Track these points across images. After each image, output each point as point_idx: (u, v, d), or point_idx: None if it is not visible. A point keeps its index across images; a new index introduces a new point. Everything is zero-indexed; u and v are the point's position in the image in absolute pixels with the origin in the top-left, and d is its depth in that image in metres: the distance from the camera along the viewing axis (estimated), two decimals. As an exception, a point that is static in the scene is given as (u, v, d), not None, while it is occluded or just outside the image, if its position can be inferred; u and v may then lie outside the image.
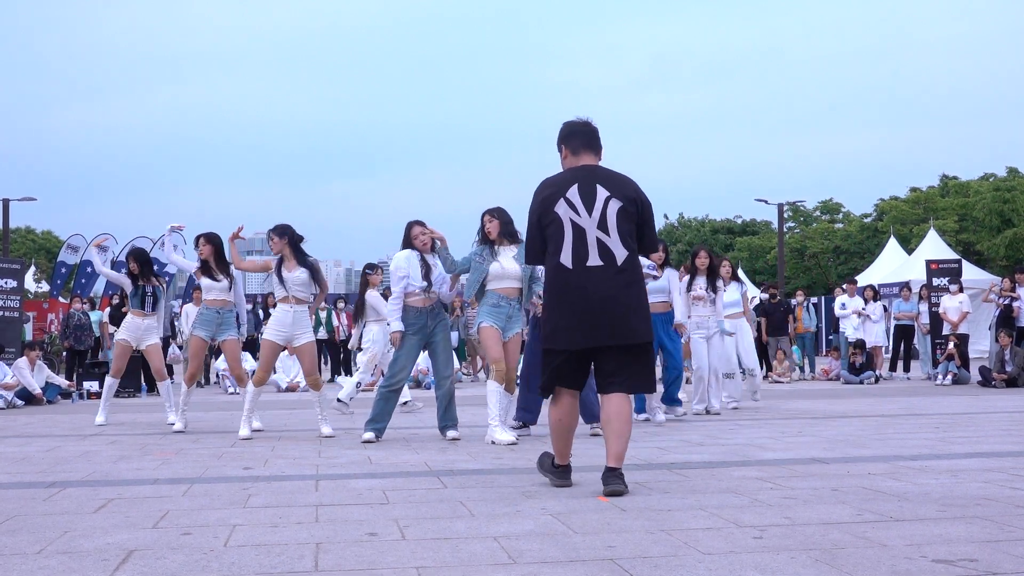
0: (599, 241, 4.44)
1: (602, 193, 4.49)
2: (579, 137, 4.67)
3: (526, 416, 7.49)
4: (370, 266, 10.74)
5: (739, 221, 57.59)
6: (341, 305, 18.92)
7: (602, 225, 4.46)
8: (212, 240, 8.32)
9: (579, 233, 4.46)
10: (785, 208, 40.37)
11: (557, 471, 4.69)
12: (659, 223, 53.33)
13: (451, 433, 7.04)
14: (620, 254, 4.45)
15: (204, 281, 8.25)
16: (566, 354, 4.48)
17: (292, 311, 7.54)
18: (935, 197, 43.72)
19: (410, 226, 7.24)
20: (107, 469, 5.68)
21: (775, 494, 4.34)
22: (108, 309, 16.91)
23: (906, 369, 16.96)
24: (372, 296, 10.23)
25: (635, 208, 4.52)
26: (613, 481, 4.36)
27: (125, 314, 15.53)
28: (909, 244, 34.46)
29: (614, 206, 4.47)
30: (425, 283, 7.07)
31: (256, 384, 7.60)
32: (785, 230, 42.83)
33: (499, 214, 6.98)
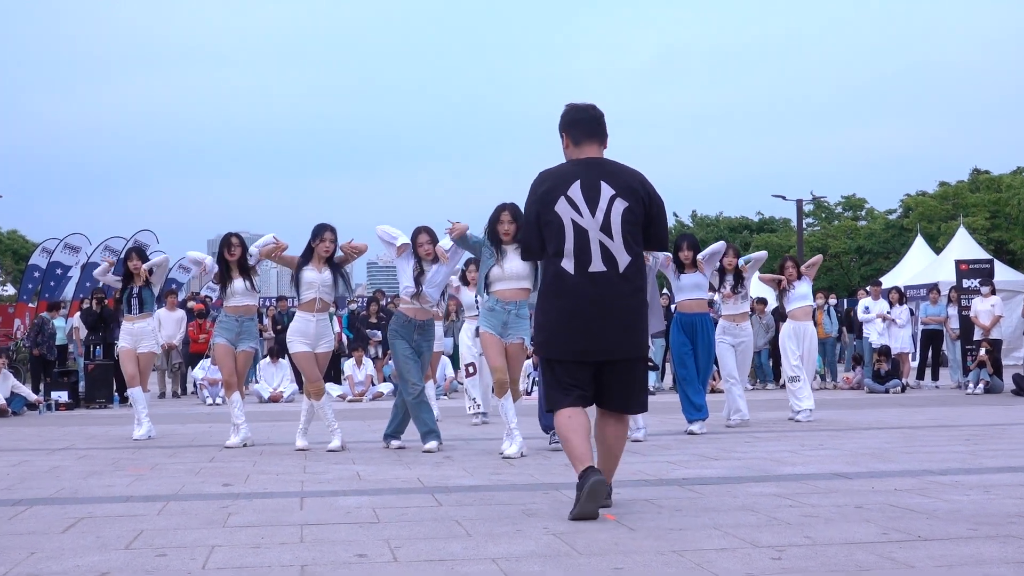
0: (602, 245, 4.37)
1: (607, 191, 4.39)
2: (582, 126, 4.54)
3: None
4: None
5: (756, 219, 57.62)
6: (332, 309, 18.90)
7: (605, 227, 4.37)
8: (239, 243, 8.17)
9: (581, 235, 4.37)
10: (806, 203, 40.44)
11: (583, 475, 4.21)
12: (669, 222, 53.37)
13: (395, 443, 7.43)
14: (623, 260, 4.38)
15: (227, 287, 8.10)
16: (565, 364, 4.42)
17: (315, 319, 7.56)
18: (965, 192, 43.71)
19: (417, 232, 7.46)
20: (77, 485, 5.67)
21: (794, 512, 4.33)
22: (78, 314, 16.92)
23: (934, 377, 16.95)
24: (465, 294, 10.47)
25: (642, 208, 4.43)
26: (599, 484, 4.27)
27: (100, 319, 15.44)
28: (937, 243, 34.46)
29: (619, 206, 4.38)
30: (414, 288, 7.26)
31: (316, 397, 7.56)
32: (805, 227, 42.86)
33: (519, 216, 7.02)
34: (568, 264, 4.39)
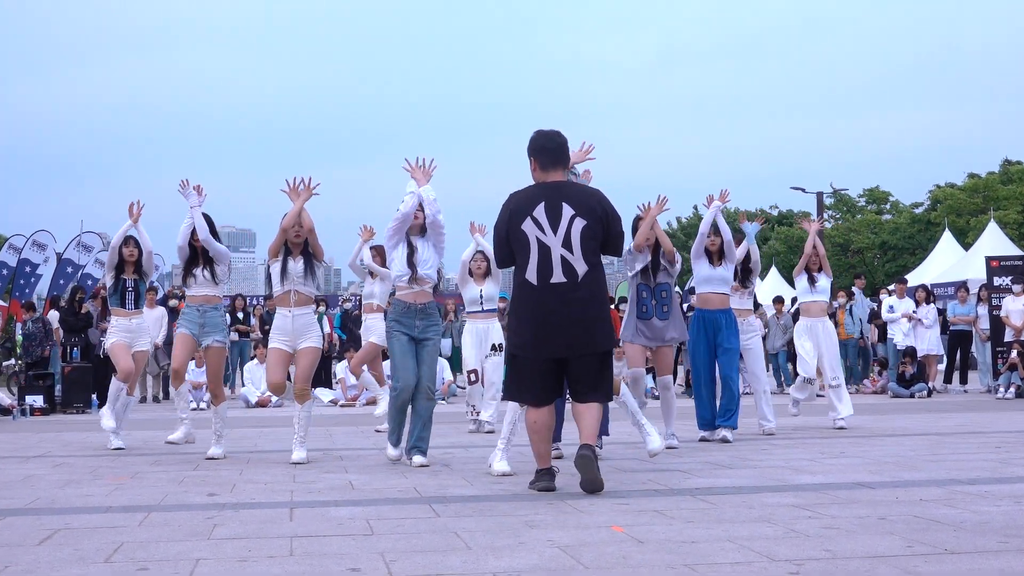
0: (563, 259, 5.33)
1: (567, 211, 5.37)
2: (548, 154, 5.54)
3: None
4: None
5: (775, 213, 57.57)
6: (322, 309, 18.92)
7: (566, 243, 5.34)
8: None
9: (544, 251, 5.35)
10: (826, 196, 40.37)
11: (538, 474, 5.46)
12: (672, 222, 54.01)
13: (418, 459, 6.83)
14: (581, 269, 5.34)
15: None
16: (530, 361, 5.42)
17: (291, 315, 7.27)
18: (995, 184, 43.65)
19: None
20: (53, 495, 5.69)
21: (814, 524, 4.34)
22: (51, 312, 16.94)
23: (963, 381, 16.94)
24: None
25: (600, 225, 5.41)
26: (584, 450, 5.23)
27: (79, 316, 15.39)
28: (966, 238, 34.42)
29: (579, 224, 5.35)
30: (408, 270, 6.96)
31: (300, 400, 7.32)
32: (826, 220, 42.81)
33: None
34: (532, 276, 5.36)
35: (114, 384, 8.51)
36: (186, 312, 8.06)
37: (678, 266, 8.00)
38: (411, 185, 7.04)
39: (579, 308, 5.32)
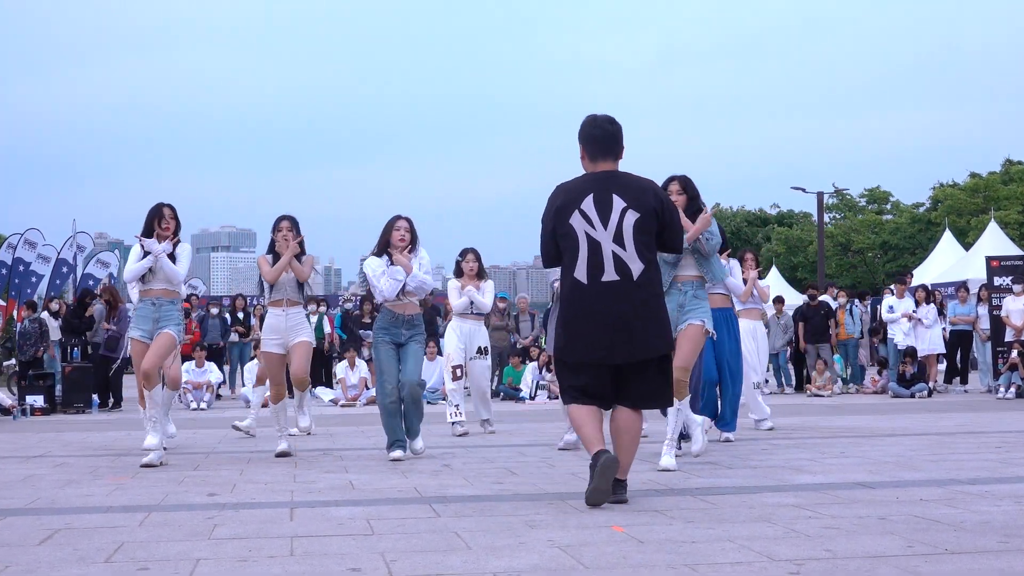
0: (615, 255, 4.87)
1: (618, 204, 4.91)
2: (599, 143, 5.06)
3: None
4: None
5: (775, 212, 57.55)
6: (323, 309, 18.94)
7: (618, 238, 4.88)
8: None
9: (594, 247, 4.89)
10: (828, 196, 40.34)
11: (596, 456, 4.77)
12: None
13: (397, 453, 7.17)
14: (636, 268, 4.88)
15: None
16: (581, 366, 4.95)
17: (285, 314, 7.65)
18: (996, 184, 43.69)
19: (395, 219, 7.58)
20: (53, 495, 5.69)
21: (814, 523, 4.34)
22: (46, 313, 16.93)
23: (963, 381, 16.94)
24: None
25: (654, 217, 4.94)
26: (619, 490, 4.87)
27: (82, 319, 15.29)
28: (967, 238, 34.46)
29: (631, 218, 4.89)
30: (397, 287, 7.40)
31: (275, 401, 7.74)
32: (827, 221, 42.83)
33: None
34: (582, 274, 4.92)
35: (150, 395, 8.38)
36: (140, 309, 7.46)
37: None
38: (376, 264, 7.49)
39: (632, 310, 4.87)
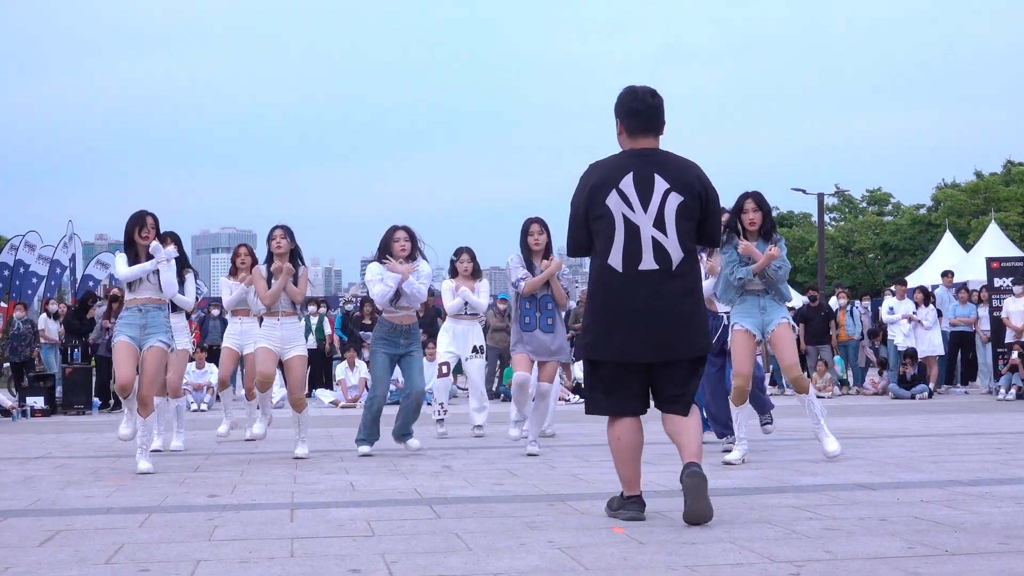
0: (654, 241, 4.40)
1: (660, 185, 4.43)
2: (639, 118, 4.55)
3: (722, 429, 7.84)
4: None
5: (775, 213, 57.52)
6: (323, 310, 18.94)
7: (659, 223, 4.41)
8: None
9: (632, 231, 4.41)
10: (829, 197, 40.29)
11: (627, 503, 4.53)
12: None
13: (414, 443, 7.73)
14: (676, 256, 4.42)
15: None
16: (612, 366, 4.48)
17: (280, 324, 7.66)
18: (997, 185, 43.67)
19: (393, 230, 7.82)
20: (53, 496, 5.69)
21: (814, 525, 4.34)
22: (44, 315, 16.93)
23: (963, 382, 16.94)
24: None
25: (698, 203, 4.48)
26: (694, 467, 4.37)
27: (83, 320, 15.26)
28: (967, 239, 34.45)
29: (674, 201, 4.42)
30: (392, 294, 7.66)
31: (262, 389, 7.82)
32: (828, 222, 42.81)
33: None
34: (616, 261, 4.42)
35: (165, 404, 8.44)
36: (125, 316, 7.15)
37: (571, 302, 8.12)
38: (376, 271, 7.76)
39: (671, 303, 4.40)
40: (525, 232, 7.83)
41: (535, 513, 4.77)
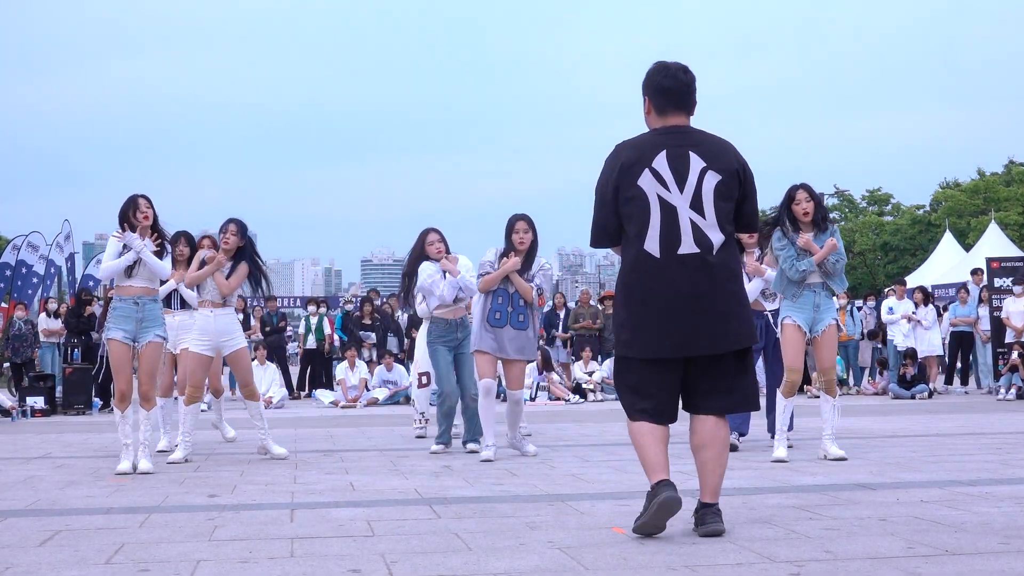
0: (692, 223, 4.10)
1: (696, 163, 4.13)
2: (670, 96, 4.26)
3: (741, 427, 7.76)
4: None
5: (772, 214, 57.53)
6: (323, 310, 18.95)
7: (696, 204, 4.11)
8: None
9: (669, 213, 4.10)
10: (829, 197, 40.30)
11: (657, 487, 4.06)
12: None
13: (474, 446, 7.64)
14: (716, 240, 4.12)
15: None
16: (649, 364, 4.15)
17: (213, 315, 7.42)
18: (997, 185, 43.66)
19: (426, 232, 7.88)
20: (54, 496, 5.69)
21: (814, 525, 4.34)
22: (43, 314, 16.93)
23: (964, 382, 16.94)
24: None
25: (736, 182, 4.18)
26: (710, 519, 4.10)
27: (81, 319, 15.20)
28: (967, 239, 34.46)
29: (711, 180, 4.13)
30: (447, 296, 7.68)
31: (188, 403, 7.50)
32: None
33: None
34: (653, 246, 4.11)
35: (169, 404, 8.60)
36: (118, 308, 6.88)
37: (549, 302, 8.05)
38: (433, 270, 7.72)
39: (717, 289, 4.10)
40: (510, 229, 7.41)
41: (535, 513, 4.78)
